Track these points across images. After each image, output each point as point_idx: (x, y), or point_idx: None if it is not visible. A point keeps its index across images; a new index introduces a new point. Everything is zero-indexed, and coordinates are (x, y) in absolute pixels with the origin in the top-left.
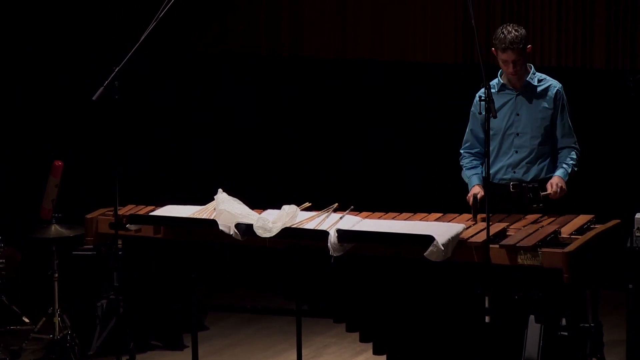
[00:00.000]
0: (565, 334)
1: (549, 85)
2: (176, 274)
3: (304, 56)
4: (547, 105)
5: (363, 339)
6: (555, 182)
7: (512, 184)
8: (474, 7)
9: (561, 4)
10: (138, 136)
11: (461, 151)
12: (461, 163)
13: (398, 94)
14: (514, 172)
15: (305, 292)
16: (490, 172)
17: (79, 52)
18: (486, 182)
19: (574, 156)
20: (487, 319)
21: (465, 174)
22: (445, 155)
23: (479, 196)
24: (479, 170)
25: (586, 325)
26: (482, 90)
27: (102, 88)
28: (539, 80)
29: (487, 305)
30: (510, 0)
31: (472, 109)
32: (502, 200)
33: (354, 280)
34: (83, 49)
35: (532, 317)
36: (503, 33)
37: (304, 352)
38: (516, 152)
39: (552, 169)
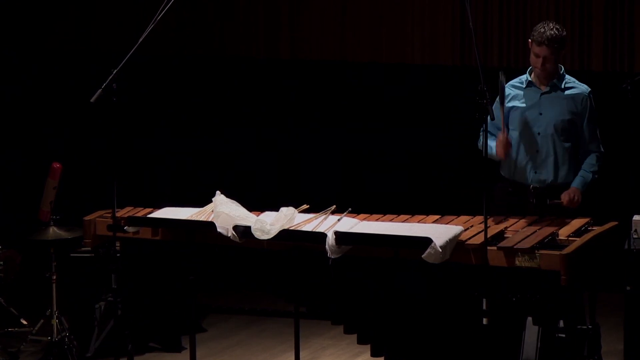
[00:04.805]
0: (563, 336)
1: (577, 91)
2: (174, 276)
3: (302, 59)
4: (571, 109)
5: (361, 341)
6: (572, 191)
7: (532, 187)
8: (471, 9)
9: (559, 6)
10: (137, 137)
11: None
12: (479, 142)
13: (396, 95)
14: (535, 173)
15: (303, 294)
16: (510, 170)
17: (81, 60)
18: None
19: (594, 162)
20: (484, 320)
21: (490, 145)
22: (443, 156)
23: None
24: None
25: (584, 327)
26: (512, 81)
27: (100, 90)
28: (567, 84)
29: (484, 307)
30: (507, 2)
31: (498, 99)
32: (519, 199)
33: (352, 282)
34: (86, 58)
35: (529, 319)
36: (544, 27)
37: (302, 354)
38: (537, 151)
39: (574, 173)
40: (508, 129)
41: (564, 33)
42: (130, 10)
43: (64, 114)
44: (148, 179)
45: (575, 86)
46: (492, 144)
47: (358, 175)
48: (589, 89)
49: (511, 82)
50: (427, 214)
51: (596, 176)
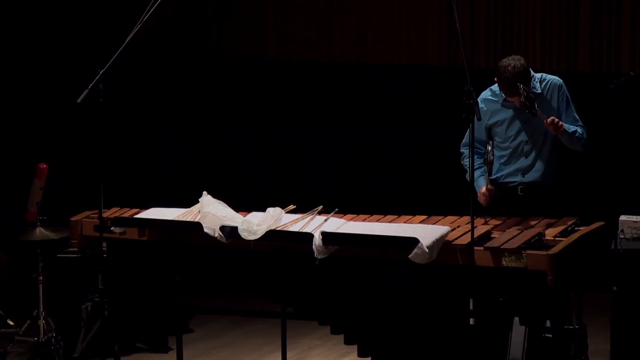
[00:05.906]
0: (550, 336)
1: (550, 85)
2: (161, 276)
3: (289, 59)
4: (551, 106)
5: (348, 341)
6: (557, 120)
7: (520, 188)
8: (458, 10)
9: (545, 7)
10: (136, 137)
11: (462, 150)
12: (463, 162)
13: (383, 96)
14: (523, 177)
15: (290, 294)
16: (499, 174)
17: (81, 60)
18: (487, 183)
19: (580, 129)
20: (471, 321)
21: (476, 180)
22: (431, 157)
23: (490, 191)
24: (483, 170)
25: (570, 327)
26: (483, 94)
27: (86, 91)
28: (541, 82)
29: (471, 307)
30: (494, 3)
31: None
32: (508, 201)
33: (338, 282)
34: (86, 58)
35: (516, 319)
36: (507, 77)
37: (288, 354)
38: (525, 157)
39: (557, 172)
40: (493, 145)
41: (524, 64)
42: (130, 10)
43: (64, 114)
44: (148, 179)
45: (548, 80)
46: (478, 182)
47: (358, 175)
48: (561, 80)
49: (484, 97)
50: (414, 214)
51: (578, 136)
